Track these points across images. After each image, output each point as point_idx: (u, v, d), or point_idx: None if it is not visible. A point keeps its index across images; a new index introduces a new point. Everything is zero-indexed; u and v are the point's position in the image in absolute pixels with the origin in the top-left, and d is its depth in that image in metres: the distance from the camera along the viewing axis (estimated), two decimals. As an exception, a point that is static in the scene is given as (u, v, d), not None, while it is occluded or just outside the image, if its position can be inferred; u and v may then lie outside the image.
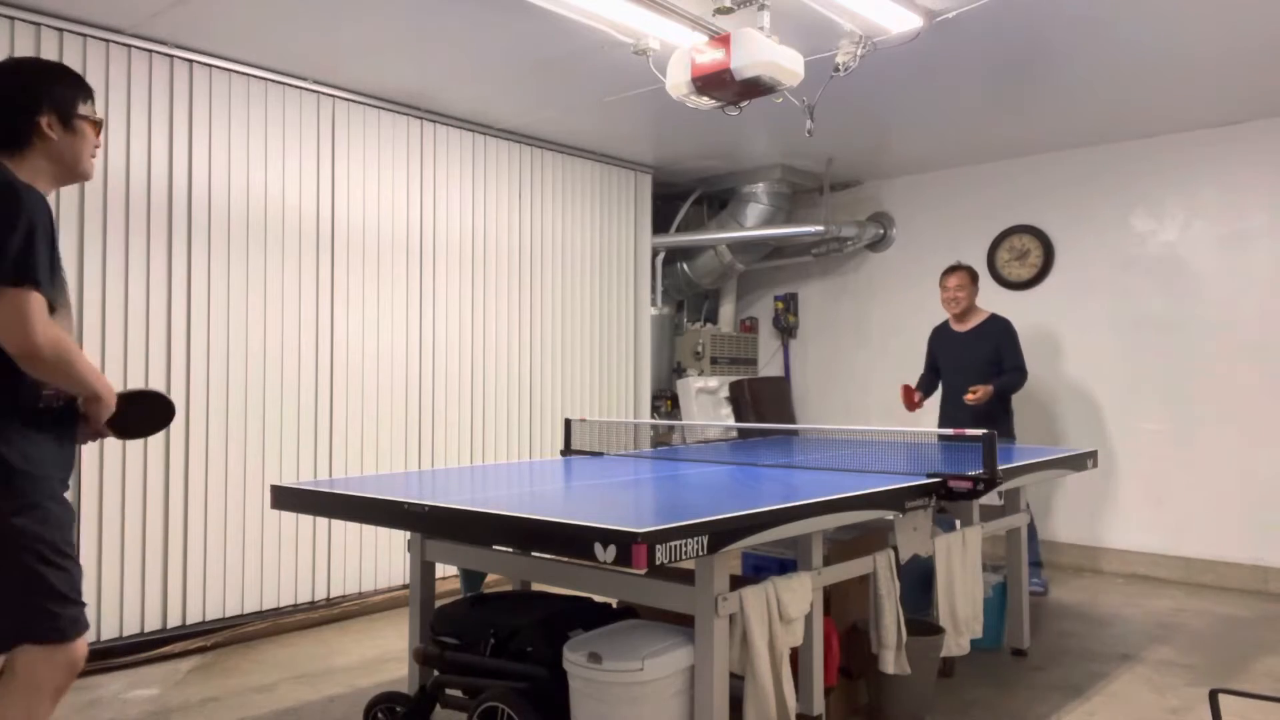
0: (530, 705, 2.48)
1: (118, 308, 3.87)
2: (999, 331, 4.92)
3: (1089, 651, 3.94)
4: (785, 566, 2.96)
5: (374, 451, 4.75)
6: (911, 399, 5.04)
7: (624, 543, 1.94)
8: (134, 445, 3.90)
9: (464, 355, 5.15)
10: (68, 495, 2.07)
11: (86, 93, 2.14)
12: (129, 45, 3.90)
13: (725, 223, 6.46)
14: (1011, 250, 5.97)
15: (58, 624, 1.98)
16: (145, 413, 2.26)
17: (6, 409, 1.97)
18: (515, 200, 5.44)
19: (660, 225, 6.55)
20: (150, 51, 3.97)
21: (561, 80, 4.50)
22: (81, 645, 2.03)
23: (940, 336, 5.18)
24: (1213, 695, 2.11)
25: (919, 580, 3.64)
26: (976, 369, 4.89)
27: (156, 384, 3.97)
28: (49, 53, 3.70)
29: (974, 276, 5.02)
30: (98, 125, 2.15)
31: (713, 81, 3.26)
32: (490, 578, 4.46)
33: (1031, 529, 4.88)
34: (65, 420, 2.08)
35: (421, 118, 4.96)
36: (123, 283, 3.89)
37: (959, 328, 5.04)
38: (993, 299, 5.78)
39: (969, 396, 4.72)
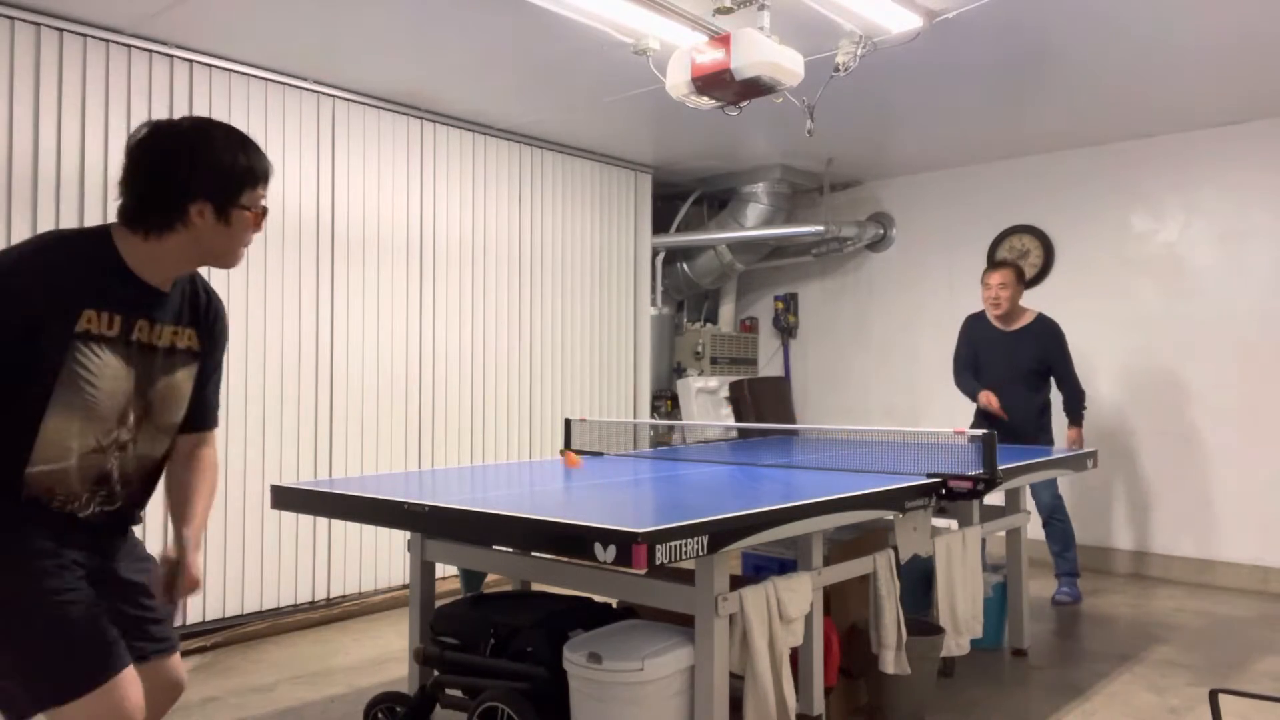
0: (530, 705, 2.48)
1: (118, 308, 3.87)
2: (1048, 336, 4.62)
3: (1089, 651, 3.93)
4: (785, 566, 2.96)
5: (374, 451, 4.75)
6: (994, 404, 4.62)
7: (624, 543, 1.94)
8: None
9: (464, 355, 5.15)
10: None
11: (257, 176, 1.73)
12: (129, 45, 3.89)
13: (725, 223, 6.46)
14: (1011, 250, 5.97)
15: None
16: None
17: None
18: (515, 200, 5.44)
19: (660, 225, 6.55)
20: (150, 51, 3.97)
21: (561, 80, 4.50)
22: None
23: (979, 330, 4.79)
24: (1213, 695, 2.11)
25: (919, 580, 3.65)
26: (1022, 375, 4.62)
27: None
28: (49, 53, 3.70)
29: (1020, 275, 4.69)
30: (261, 216, 1.77)
31: (713, 81, 3.26)
32: (490, 578, 4.46)
33: (1069, 536, 4.73)
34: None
35: (421, 118, 4.96)
36: (123, 283, 3.88)
37: (1003, 326, 4.71)
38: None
39: (1071, 435, 4.69)
